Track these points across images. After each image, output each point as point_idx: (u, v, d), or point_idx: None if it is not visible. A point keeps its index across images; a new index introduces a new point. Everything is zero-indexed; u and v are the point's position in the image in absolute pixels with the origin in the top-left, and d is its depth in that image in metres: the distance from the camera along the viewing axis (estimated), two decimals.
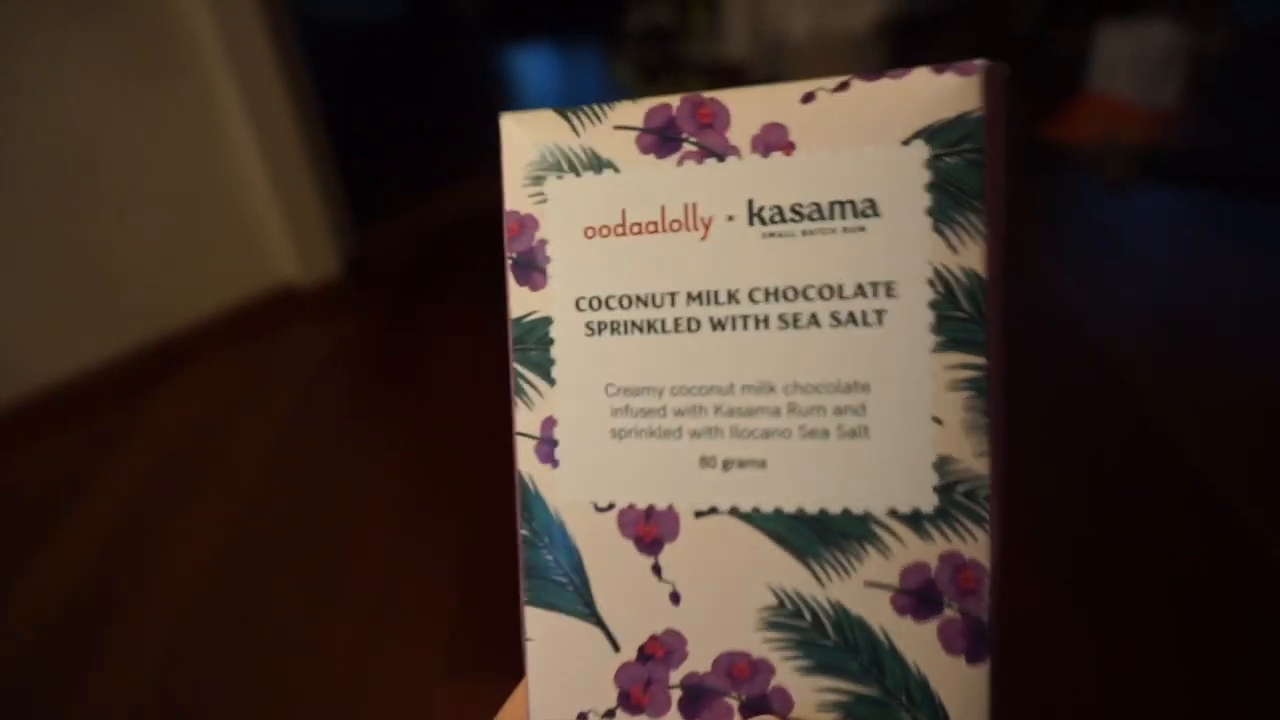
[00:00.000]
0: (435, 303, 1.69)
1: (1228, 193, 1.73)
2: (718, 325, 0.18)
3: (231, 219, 1.55)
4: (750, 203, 0.18)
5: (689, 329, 0.18)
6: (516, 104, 2.72)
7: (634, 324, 0.19)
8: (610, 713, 0.19)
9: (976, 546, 0.17)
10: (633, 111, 0.19)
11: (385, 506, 1.21)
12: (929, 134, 0.17)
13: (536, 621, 0.20)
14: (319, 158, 1.61)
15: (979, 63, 0.17)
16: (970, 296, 0.17)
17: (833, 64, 2.05)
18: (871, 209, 0.17)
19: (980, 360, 0.17)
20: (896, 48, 2.16)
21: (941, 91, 0.17)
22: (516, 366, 0.20)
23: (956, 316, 0.17)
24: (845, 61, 2.05)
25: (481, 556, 1.09)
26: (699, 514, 0.18)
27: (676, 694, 0.19)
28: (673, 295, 0.18)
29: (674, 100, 0.18)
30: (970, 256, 0.17)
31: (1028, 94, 2.20)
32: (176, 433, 1.39)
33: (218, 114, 1.47)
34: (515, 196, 0.19)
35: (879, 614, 0.17)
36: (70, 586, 1.13)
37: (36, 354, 1.41)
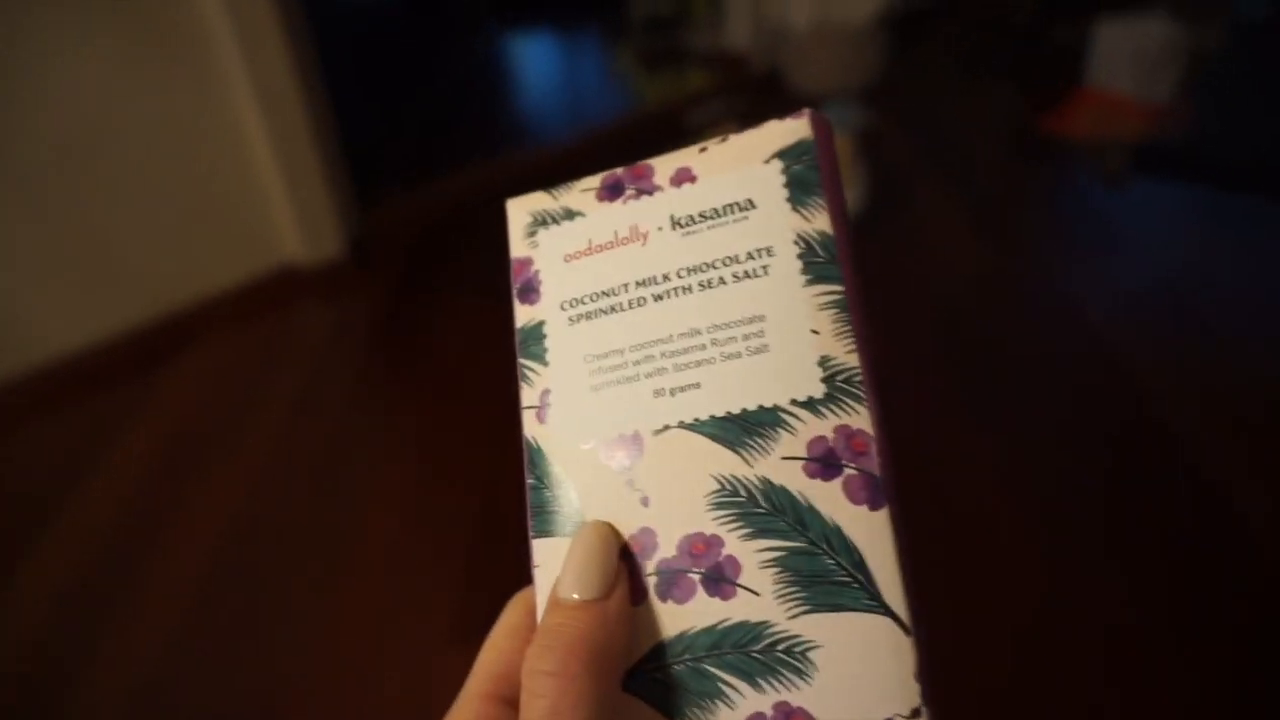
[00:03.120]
0: (437, 284, 1.71)
1: (1223, 185, 1.74)
2: (657, 299, 0.25)
3: (237, 198, 1.57)
4: (671, 216, 0.26)
5: (639, 305, 0.26)
6: (519, 91, 2.74)
7: (601, 310, 0.26)
8: None
9: (860, 418, 0.23)
10: (593, 180, 0.28)
11: (392, 483, 1.23)
12: (781, 154, 0.25)
13: (541, 549, 0.25)
14: (324, 138, 1.63)
15: (807, 110, 0.25)
16: (824, 247, 0.24)
17: (833, 54, 2.06)
18: (750, 204, 0.25)
19: (839, 288, 0.24)
20: (896, 39, 2.17)
21: (786, 129, 0.25)
22: (522, 360, 0.27)
23: (817, 261, 0.24)
24: (846, 52, 2.06)
25: (487, 531, 1.12)
26: (656, 432, 0.24)
27: (652, 580, 0.24)
28: (625, 285, 0.26)
29: (620, 170, 0.27)
30: (820, 222, 0.24)
31: (1026, 87, 2.21)
32: (183, 409, 1.42)
33: (225, 93, 1.49)
34: (517, 246, 0.28)
35: (796, 480, 0.23)
36: (77, 565, 1.15)
37: (43, 329, 1.43)
